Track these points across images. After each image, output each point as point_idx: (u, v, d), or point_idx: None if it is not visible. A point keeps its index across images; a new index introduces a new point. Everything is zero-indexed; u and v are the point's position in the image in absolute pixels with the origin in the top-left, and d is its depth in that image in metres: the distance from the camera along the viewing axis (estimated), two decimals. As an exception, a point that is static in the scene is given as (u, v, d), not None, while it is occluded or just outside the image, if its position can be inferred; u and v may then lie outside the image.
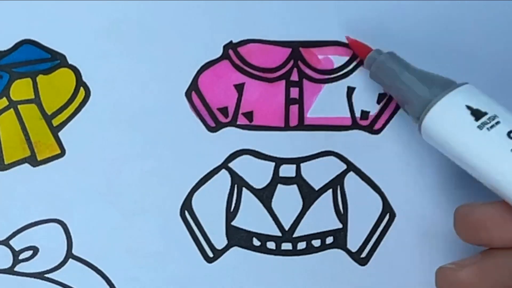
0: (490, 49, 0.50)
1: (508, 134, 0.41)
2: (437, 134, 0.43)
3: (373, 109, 0.49)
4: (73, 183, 0.48)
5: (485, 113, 0.42)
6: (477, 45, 0.50)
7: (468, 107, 0.42)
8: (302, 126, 0.49)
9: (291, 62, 0.50)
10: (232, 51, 0.50)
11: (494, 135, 0.41)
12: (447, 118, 0.42)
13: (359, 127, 0.49)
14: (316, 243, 0.48)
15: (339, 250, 0.48)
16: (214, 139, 0.49)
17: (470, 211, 0.42)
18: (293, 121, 0.49)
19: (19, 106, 0.48)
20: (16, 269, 0.47)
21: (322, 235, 0.48)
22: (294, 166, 0.49)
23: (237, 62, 0.49)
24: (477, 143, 0.41)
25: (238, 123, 0.49)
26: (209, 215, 0.48)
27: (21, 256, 0.47)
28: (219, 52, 0.49)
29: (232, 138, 0.49)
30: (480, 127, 0.41)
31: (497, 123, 0.41)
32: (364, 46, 0.48)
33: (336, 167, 0.49)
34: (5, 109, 0.48)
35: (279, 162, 0.49)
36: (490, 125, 0.41)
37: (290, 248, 0.48)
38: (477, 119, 0.41)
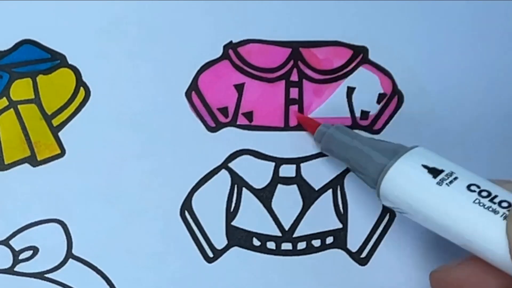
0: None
1: (468, 187, 0.41)
2: (397, 197, 0.43)
3: (373, 109, 0.49)
4: (73, 183, 0.48)
5: (442, 171, 0.42)
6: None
7: (425, 166, 0.42)
8: (302, 126, 0.49)
9: (291, 62, 0.50)
10: (232, 51, 0.50)
11: (454, 189, 0.41)
12: (405, 179, 0.42)
13: (359, 127, 0.49)
14: (316, 243, 0.48)
15: (339, 250, 0.48)
16: (214, 139, 0.49)
17: (445, 275, 0.43)
18: (293, 121, 0.49)
19: (19, 106, 0.48)
20: (16, 269, 0.47)
21: (322, 235, 0.48)
22: (294, 166, 0.49)
23: (237, 62, 0.49)
24: (438, 198, 0.41)
25: (238, 123, 0.49)
26: (209, 215, 0.48)
27: (21, 256, 0.47)
28: (219, 52, 0.49)
29: (232, 138, 0.49)
30: (439, 183, 0.41)
31: (455, 178, 0.41)
32: (312, 121, 0.48)
33: (336, 167, 0.49)
34: (5, 109, 0.48)
35: (279, 162, 0.49)
36: (448, 180, 0.41)
37: (290, 248, 0.48)
38: (435, 176, 0.41)
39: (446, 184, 0.41)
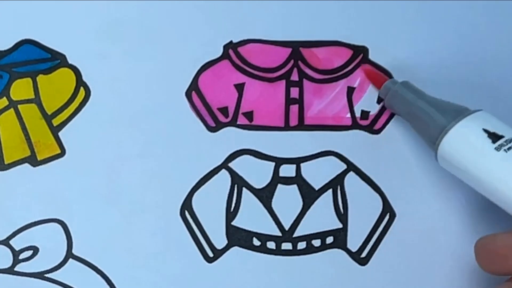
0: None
1: None
2: (454, 158, 0.43)
3: (373, 109, 0.49)
4: (73, 183, 0.48)
5: (502, 136, 0.42)
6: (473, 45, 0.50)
7: (485, 131, 0.42)
8: (302, 126, 0.49)
9: (291, 62, 0.50)
10: (232, 51, 0.50)
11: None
12: (465, 142, 0.43)
13: (359, 127, 0.49)
14: (316, 243, 0.48)
15: (339, 250, 0.48)
16: (214, 139, 0.49)
17: (491, 241, 0.42)
18: (293, 121, 0.49)
19: (19, 106, 0.48)
20: (16, 269, 0.47)
21: (322, 235, 0.48)
22: (294, 166, 0.49)
23: (237, 62, 0.49)
24: (495, 164, 0.41)
25: (238, 123, 0.49)
26: (209, 215, 0.48)
27: (21, 256, 0.47)
28: (219, 52, 0.49)
29: (232, 138, 0.49)
30: (497, 148, 0.42)
31: None
32: (379, 75, 0.49)
33: (336, 167, 0.49)
34: (5, 109, 0.48)
35: (279, 162, 0.49)
36: (507, 147, 0.41)
37: (290, 248, 0.48)
38: (494, 141, 0.42)
39: (504, 150, 0.41)
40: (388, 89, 0.48)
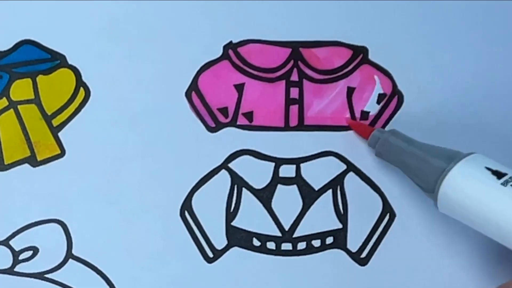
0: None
1: None
2: (457, 200, 0.43)
3: (373, 109, 0.49)
4: (73, 183, 0.48)
5: (505, 174, 0.42)
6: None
7: (488, 169, 0.42)
8: (302, 126, 0.49)
9: (291, 62, 0.50)
10: (232, 51, 0.50)
11: None
12: (468, 181, 0.42)
13: (359, 127, 0.49)
14: (316, 243, 0.48)
15: (339, 250, 0.48)
16: (214, 139, 0.49)
17: None
18: (293, 121, 0.49)
19: (19, 106, 0.48)
20: (16, 269, 0.47)
21: (322, 235, 0.48)
22: (294, 166, 0.49)
23: (237, 62, 0.49)
24: (504, 199, 0.41)
25: (238, 123, 0.49)
26: (209, 215, 0.48)
27: (21, 256, 0.47)
28: (219, 52, 0.49)
29: (232, 138, 0.49)
30: (504, 184, 0.41)
31: None
32: (364, 126, 0.49)
33: (336, 167, 0.49)
34: (5, 109, 0.48)
35: (279, 162, 0.49)
36: None
37: (290, 248, 0.48)
38: (499, 177, 0.42)
39: (511, 185, 0.41)
40: (376, 139, 0.47)
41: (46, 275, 0.47)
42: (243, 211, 0.48)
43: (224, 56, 0.49)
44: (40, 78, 0.49)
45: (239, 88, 0.49)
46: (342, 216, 0.49)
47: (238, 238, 0.48)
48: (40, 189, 0.48)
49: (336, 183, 0.49)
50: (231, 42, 0.50)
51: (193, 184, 0.48)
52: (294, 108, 0.49)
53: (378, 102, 0.49)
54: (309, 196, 0.49)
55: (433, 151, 0.44)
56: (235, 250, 0.48)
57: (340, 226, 0.48)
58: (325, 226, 0.48)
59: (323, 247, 0.48)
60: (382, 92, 0.49)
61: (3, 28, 0.49)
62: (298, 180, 0.49)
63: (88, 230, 0.48)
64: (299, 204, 0.49)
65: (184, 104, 0.49)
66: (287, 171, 0.49)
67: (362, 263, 0.48)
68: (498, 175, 0.42)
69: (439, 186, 0.43)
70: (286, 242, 0.48)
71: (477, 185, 0.42)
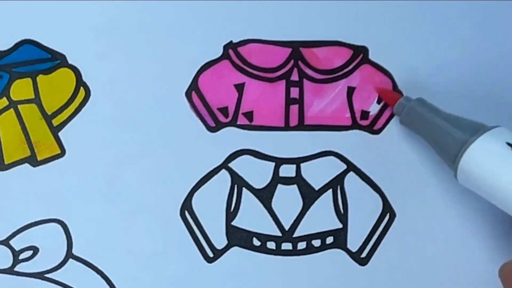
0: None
1: None
2: (477, 173, 0.43)
3: (373, 109, 0.49)
4: (73, 183, 0.48)
5: None
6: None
7: (509, 144, 0.42)
8: (302, 126, 0.49)
9: (291, 62, 0.50)
10: (232, 51, 0.50)
11: None
12: (488, 155, 0.42)
13: (359, 127, 0.49)
14: (316, 243, 0.48)
15: (339, 250, 0.48)
16: (214, 139, 0.49)
17: None
18: (293, 121, 0.49)
19: (19, 106, 0.48)
20: (16, 269, 0.47)
21: (322, 235, 0.48)
22: (294, 166, 0.49)
23: (237, 62, 0.49)
24: None
25: (238, 123, 0.49)
26: (209, 215, 0.48)
27: (21, 256, 0.47)
28: (219, 52, 0.49)
29: (232, 138, 0.49)
30: None
31: None
32: (393, 93, 0.49)
33: (336, 167, 0.49)
34: (5, 109, 0.48)
35: (279, 162, 0.49)
36: None
37: (290, 248, 0.48)
38: None
39: None
40: (402, 106, 0.47)
41: (46, 275, 0.47)
42: (243, 211, 0.48)
43: (224, 55, 0.49)
44: (40, 78, 0.49)
45: (239, 88, 0.49)
46: (342, 216, 0.49)
47: (238, 238, 0.48)
48: (40, 189, 0.48)
49: (336, 183, 0.49)
50: (231, 42, 0.50)
51: (193, 184, 0.48)
52: (294, 108, 0.49)
53: (378, 102, 0.49)
54: (309, 196, 0.49)
55: (457, 122, 0.45)
56: (235, 250, 0.48)
57: (340, 226, 0.48)
58: (325, 226, 0.48)
59: (323, 247, 0.48)
60: (382, 92, 0.50)
61: (3, 28, 0.49)
62: (298, 180, 0.49)
63: (88, 230, 0.48)
64: (299, 204, 0.49)
65: (184, 104, 0.49)
66: (287, 171, 0.49)
67: (362, 263, 0.48)
68: None
69: (459, 159, 0.43)
70: (286, 242, 0.48)
71: (496, 160, 0.42)
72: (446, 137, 0.45)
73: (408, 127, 0.48)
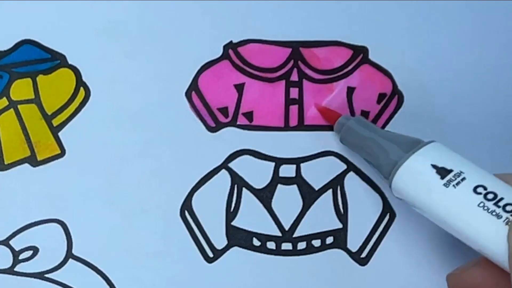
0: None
1: (475, 189, 0.40)
2: (407, 193, 0.43)
3: (373, 109, 0.49)
4: (73, 183, 0.48)
5: (451, 171, 0.41)
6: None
7: (434, 166, 0.42)
8: (302, 126, 0.49)
9: (291, 62, 0.50)
10: (232, 51, 0.50)
11: (460, 191, 0.41)
12: (414, 178, 0.42)
13: (359, 127, 0.49)
14: (316, 243, 0.48)
15: (339, 250, 0.48)
16: (214, 139, 0.49)
17: (460, 279, 0.42)
18: (293, 121, 0.49)
19: (19, 106, 0.48)
20: (16, 269, 0.47)
21: (322, 235, 0.48)
22: (294, 166, 0.49)
23: (237, 62, 0.49)
24: (444, 200, 0.41)
25: (238, 123, 0.49)
26: (209, 215, 0.48)
27: (21, 256, 0.47)
28: (219, 52, 0.49)
29: (232, 138, 0.49)
30: (446, 184, 0.41)
31: (463, 179, 0.41)
32: (333, 112, 0.49)
33: (336, 167, 0.49)
34: (5, 109, 0.48)
35: (279, 162, 0.49)
36: (456, 182, 0.41)
37: (290, 248, 0.48)
38: (442, 177, 0.41)
39: (453, 185, 0.41)
40: (342, 125, 0.47)
41: (46, 275, 0.47)
42: (243, 211, 0.48)
43: (224, 56, 0.49)
44: (40, 78, 0.49)
45: (239, 88, 0.49)
46: (342, 216, 0.49)
47: (238, 238, 0.48)
48: (40, 189, 0.48)
49: (336, 183, 0.49)
50: (231, 42, 0.50)
51: (193, 184, 0.48)
52: (294, 108, 0.49)
53: (378, 102, 0.49)
54: (309, 196, 0.49)
55: (394, 139, 0.44)
56: (235, 250, 0.48)
57: (340, 226, 0.49)
58: (325, 226, 0.48)
59: (323, 247, 0.48)
60: (382, 92, 0.49)
61: (3, 28, 0.49)
62: (298, 180, 0.49)
63: (88, 230, 0.48)
64: (299, 204, 0.49)
65: (184, 104, 0.49)
66: (287, 171, 0.49)
67: (362, 263, 0.48)
68: (443, 172, 0.42)
69: (392, 178, 0.43)
70: (286, 242, 0.48)
71: (420, 184, 0.42)
72: (381, 155, 0.44)
73: (347, 146, 0.48)
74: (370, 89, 0.50)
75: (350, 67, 0.50)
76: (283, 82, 0.49)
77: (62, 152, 0.48)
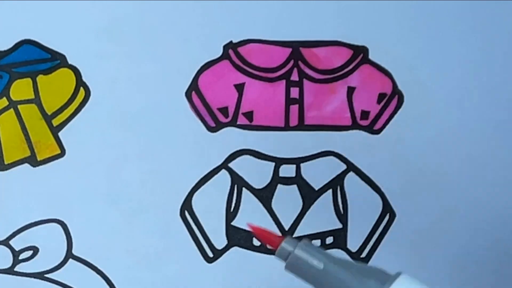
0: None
1: None
2: None
3: (373, 109, 0.49)
4: (73, 183, 0.48)
5: None
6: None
7: None
8: (302, 126, 0.49)
9: (291, 62, 0.50)
10: (232, 51, 0.49)
11: None
12: None
13: (359, 127, 0.49)
14: (316, 243, 0.48)
15: (339, 250, 0.48)
16: (214, 139, 0.49)
17: None
18: (293, 121, 0.49)
19: (19, 106, 0.48)
20: (16, 269, 0.47)
21: (322, 235, 0.48)
22: (294, 166, 0.49)
23: (237, 62, 0.49)
24: None
25: (238, 123, 0.49)
26: (209, 215, 0.48)
27: (21, 256, 0.47)
28: (219, 52, 0.49)
29: (232, 138, 0.49)
30: None
31: None
32: (271, 234, 0.39)
33: (336, 167, 0.49)
34: (5, 109, 0.48)
35: (279, 162, 0.49)
36: None
37: (290, 248, 0.48)
38: None
39: None
40: (287, 252, 0.38)
41: (46, 275, 0.47)
42: (243, 211, 0.48)
43: (224, 56, 0.49)
44: (40, 78, 0.49)
45: (239, 87, 0.49)
46: (342, 216, 0.49)
47: (238, 238, 0.48)
48: (40, 189, 0.48)
49: (336, 183, 0.49)
50: (231, 42, 0.50)
51: (193, 184, 0.48)
52: (294, 108, 0.49)
53: (378, 102, 0.49)
54: (309, 196, 0.49)
55: (358, 273, 0.37)
56: (235, 250, 0.48)
57: (340, 226, 0.49)
58: (325, 226, 0.48)
59: (323, 247, 0.48)
60: (382, 92, 0.49)
61: (3, 28, 0.49)
62: (298, 180, 0.49)
63: (88, 230, 0.48)
64: (299, 204, 0.49)
65: (184, 104, 0.49)
66: (287, 171, 0.49)
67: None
68: None
69: None
70: (286, 242, 0.48)
71: None
72: None
73: (297, 275, 0.38)
74: (370, 89, 0.49)
75: (350, 67, 0.50)
76: (284, 82, 0.49)
77: (62, 152, 0.48)
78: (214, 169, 0.49)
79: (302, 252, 0.38)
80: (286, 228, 0.48)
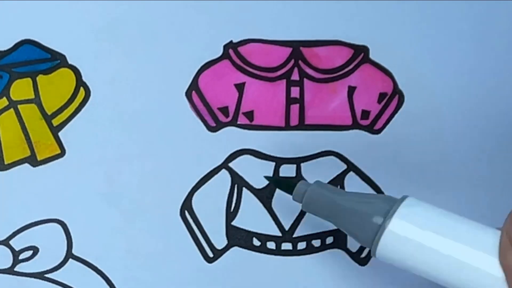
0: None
1: None
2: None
3: (374, 109, 0.49)
4: (73, 183, 0.48)
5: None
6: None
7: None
8: (302, 125, 0.49)
9: (292, 62, 0.49)
10: (232, 51, 0.49)
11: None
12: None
13: (360, 127, 0.49)
14: (316, 243, 0.48)
15: (339, 250, 0.48)
16: (214, 139, 0.49)
17: None
18: (294, 121, 0.49)
19: (19, 106, 0.48)
20: (16, 269, 0.47)
21: (322, 235, 0.48)
22: (294, 166, 0.49)
23: (238, 61, 0.49)
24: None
25: (238, 122, 0.49)
26: (209, 215, 0.48)
27: (21, 256, 0.47)
28: (219, 52, 0.49)
29: (233, 138, 0.49)
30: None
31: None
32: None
33: (336, 167, 0.49)
34: (5, 109, 0.48)
35: (279, 162, 0.49)
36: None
37: (290, 248, 0.48)
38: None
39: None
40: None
41: (46, 275, 0.47)
42: (243, 211, 0.48)
43: (225, 55, 0.49)
44: (40, 78, 0.49)
45: (240, 87, 0.49)
46: (343, 216, 0.48)
47: (238, 238, 0.48)
48: (40, 189, 0.48)
49: (337, 183, 0.49)
50: (231, 41, 0.49)
51: (193, 184, 0.48)
52: (294, 108, 0.49)
53: (379, 102, 0.49)
54: (309, 195, 0.49)
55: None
56: (235, 250, 0.48)
57: (341, 226, 0.48)
58: (325, 226, 0.48)
59: (323, 247, 0.48)
60: (382, 91, 0.49)
61: (3, 28, 0.49)
62: (298, 180, 0.49)
63: (88, 230, 0.48)
64: (299, 204, 0.48)
65: (184, 103, 0.49)
66: (287, 170, 0.49)
67: (362, 263, 0.48)
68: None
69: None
70: (286, 242, 0.48)
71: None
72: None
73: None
74: (371, 89, 0.49)
75: (350, 67, 0.50)
76: (284, 81, 0.49)
77: (62, 152, 0.48)
78: (214, 169, 0.49)
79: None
80: (286, 228, 0.48)
